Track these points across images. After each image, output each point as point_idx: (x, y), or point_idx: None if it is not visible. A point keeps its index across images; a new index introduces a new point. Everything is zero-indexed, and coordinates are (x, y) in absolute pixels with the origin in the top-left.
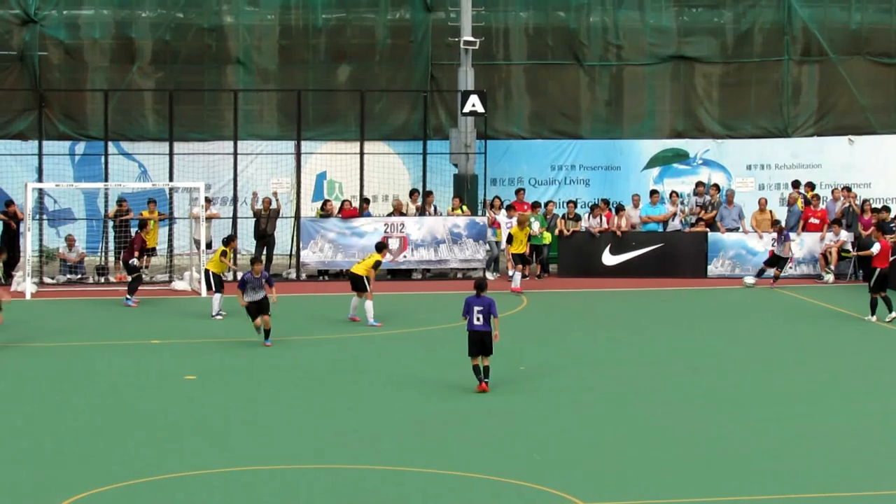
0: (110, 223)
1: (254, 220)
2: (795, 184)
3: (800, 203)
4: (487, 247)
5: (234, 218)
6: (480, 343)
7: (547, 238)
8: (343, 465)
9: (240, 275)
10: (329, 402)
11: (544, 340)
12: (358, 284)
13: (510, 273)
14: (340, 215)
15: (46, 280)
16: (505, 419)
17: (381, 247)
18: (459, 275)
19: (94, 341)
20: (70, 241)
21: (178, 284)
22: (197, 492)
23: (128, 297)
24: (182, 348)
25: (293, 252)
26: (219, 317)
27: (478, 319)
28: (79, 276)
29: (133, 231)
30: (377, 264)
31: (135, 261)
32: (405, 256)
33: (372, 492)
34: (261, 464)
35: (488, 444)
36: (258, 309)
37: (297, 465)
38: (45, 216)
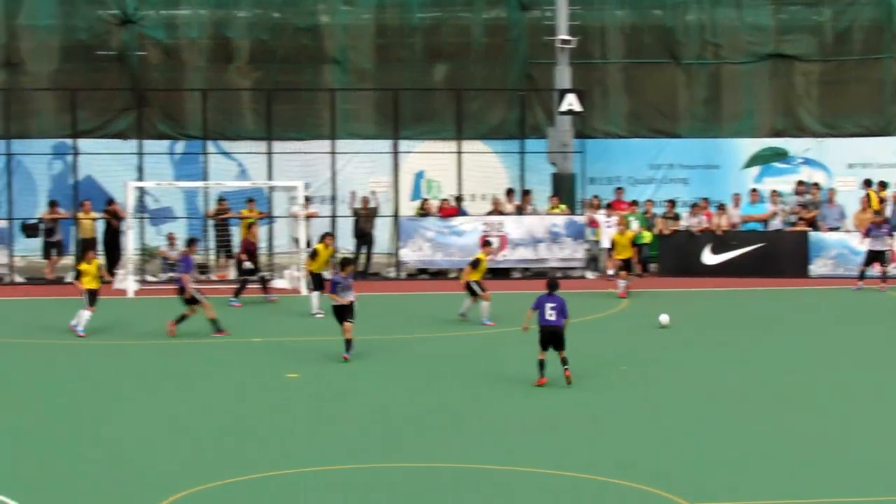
0: (210, 222)
1: (352, 219)
2: (867, 183)
3: (875, 202)
4: (586, 246)
5: (333, 217)
6: (552, 337)
7: (646, 237)
8: (444, 463)
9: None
10: (429, 399)
11: (643, 340)
12: (471, 290)
13: (609, 272)
14: (439, 214)
15: (148, 278)
16: (606, 419)
17: (485, 244)
18: (559, 274)
19: (195, 340)
20: (171, 240)
21: (279, 283)
22: (296, 491)
23: (233, 298)
24: (283, 347)
25: (392, 251)
26: (319, 315)
27: (550, 315)
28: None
29: (234, 230)
30: (476, 262)
31: (248, 264)
32: (504, 255)
33: (475, 491)
34: (358, 462)
35: (590, 444)
36: (342, 314)
37: (395, 463)
38: (145, 214)
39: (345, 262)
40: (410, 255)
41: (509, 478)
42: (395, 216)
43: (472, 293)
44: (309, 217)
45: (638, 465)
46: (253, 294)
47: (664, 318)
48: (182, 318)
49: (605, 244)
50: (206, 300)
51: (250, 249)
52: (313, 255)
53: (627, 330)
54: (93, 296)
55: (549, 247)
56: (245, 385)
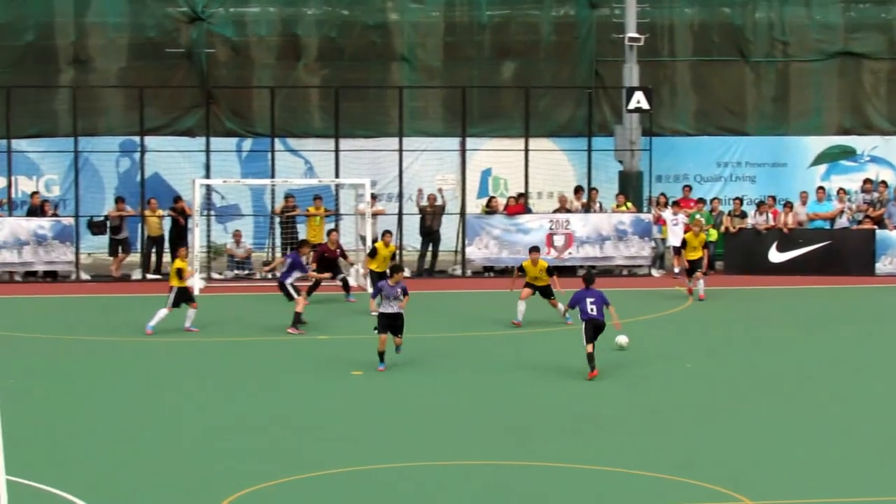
0: (277, 219)
1: (419, 216)
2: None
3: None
4: (653, 244)
5: (400, 214)
6: (595, 330)
7: (713, 235)
8: (506, 461)
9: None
10: (495, 397)
11: (708, 338)
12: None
13: (675, 270)
14: (506, 212)
15: (214, 275)
16: (669, 416)
17: (530, 250)
18: (625, 272)
19: (261, 336)
20: (237, 237)
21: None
22: (356, 488)
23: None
24: (348, 344)
25: (458, 248)
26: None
27: (592, 309)
28: (246, 271)
29: (300, 228)
30: (551, 270)
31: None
32: (570, 253)
33: (535, 488)
34: (426, 460)
35: (653, 441)
36: (390, 325)
37: (460, 461)
38: (212, 212)
39: (394, 270)
40: (476, 252)
41: (570, 475)
42: (462, 214)
43: (548, 295)
44: (375, 215)
45: (700, 462)
46: (326, 291)
47: (622, 340)
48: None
49: (672, 242)
50: (302, 296)
51: (329, 258)
52: (373, 253)
53: (693, 328)
54: (181, 295)
55: (615, 245)
56: (310, 383)
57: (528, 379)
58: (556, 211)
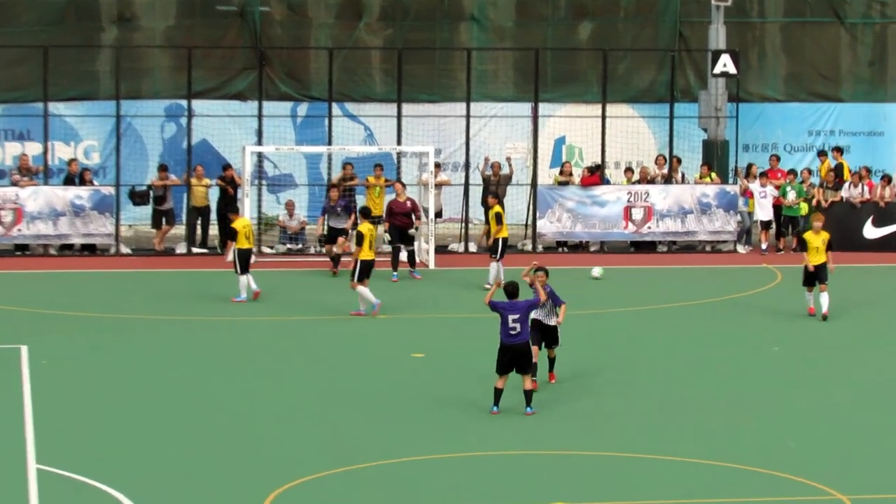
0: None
1: (481, 187)
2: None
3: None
4: (739, 218)
5: (466, 185)
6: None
7: (803, 209)
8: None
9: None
10: (569, 383)
11: (797, 320)
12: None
13: (763, 247)
14: (580, 183)
15: (265, 249)
16: (752, 404)
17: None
18: (708, 248)
19: (315, 315)
20: (290, 209)
21: (404, 255)
22: (416, 479)
23: (395, 273)
24: (410, 324)
25: (528, 222)
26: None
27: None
28: (299, 245)
29: (359, 199)
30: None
31: (414, 231)
32: (649, 227)
33: (615, 478)
34: (489, 449)
35: (735, 431)
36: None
37: (517, 450)
38: (264, 181)
39: (509, 288)
40: (548, 226)
41: (648, 465)
42: (533, 185)
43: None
44: (440, 185)
45: (787, 453)
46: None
47: (596, 271)
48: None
49: (759, 216)
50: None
51: (398, 212)
52: (498, 219)
53: (782, 308)
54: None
55: (697, 218)
56: (369, 364)
57: (604, 363)
58: (635, 182)
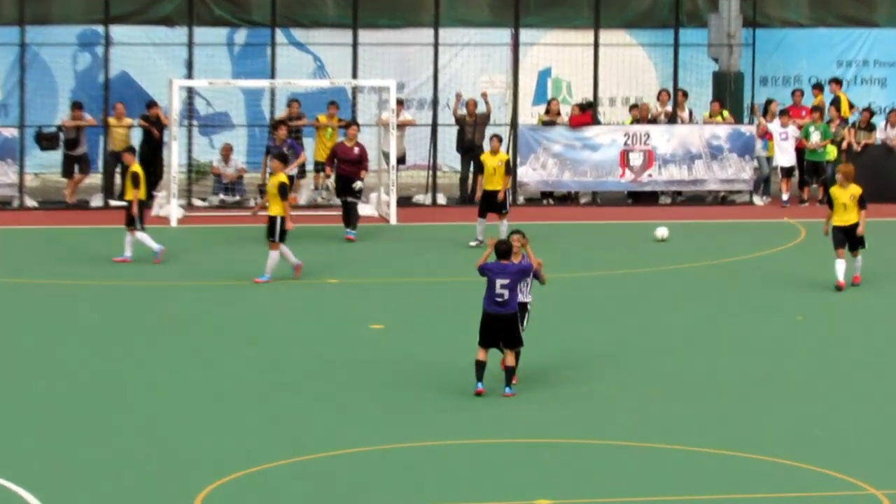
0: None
1: (456, 128)
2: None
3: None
4: (755, 164)
5: (434, 126)
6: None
7: (831, 153)
8: (612, 440)
9: None
10: (545, 361)
11: (824, 285)
12: None
13: (784, 198)
14: (569, 123)
15: (196, 202)
16: (771, 385)
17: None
18: (720, 199)
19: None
20: (226, 154)
21: (363, 209)
22: (371, 472)
23: (349, 230)
24: (367, 290)
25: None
26: (474, 244)
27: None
28: (236, 197)
29: (307, 142)
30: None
31: (360, 183)
32: (650, 175)
33: (610, 471)
34: (459, 437)
35: (752, 416)
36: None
37: (493, 439)
38: (195, 122)
39: (501, 246)
40: (531, 174)
41: (648, 456)
42: (513, 125)
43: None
44: (403, 126)
45: (814, 442)
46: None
47: (661, 232)
48: None
49: (780, 161)
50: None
51: (346, 159)
52: (479, 168)
53: (804, 269)
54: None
55: (707, 165)
56: (318, 338)
57: (599, 332)
58: (633, 122)
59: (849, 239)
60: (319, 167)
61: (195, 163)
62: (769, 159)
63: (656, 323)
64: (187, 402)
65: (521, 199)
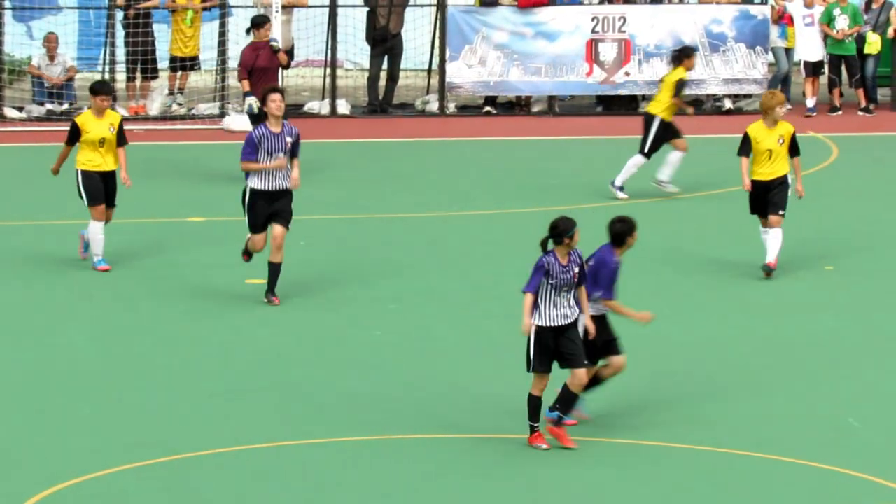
0: (118, 15)
1: (365, 11)
2: None
3: None
4: (770, 58)
5: (333, 8)
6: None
7: (873, 46)
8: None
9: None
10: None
11: (860, 221)
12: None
13: (809, 105)
14: (516, 2)
15: (9, 113)
16: (791, 360)
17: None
18: (729, 104)
19: (86, 219)
20: (50, 47)
21: (233, 122)
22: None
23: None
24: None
25: (433, 66)
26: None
27: (564, 302)
28: (65, 104)
29: (160, 30)
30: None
31: (252, 101)
32: (627, 74)
33: (651, 470)
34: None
35: (769, 400)
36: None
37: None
38: (7, 4)
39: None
40: (465, 72)
41: (679, 455)
42: (440, 6)
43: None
44: (290, 7)
45: (849, 437)
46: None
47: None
48: None
49: (802, 55)
50: None
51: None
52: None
53: (836, 204)
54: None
55: (706, 60)
56: (177, 306)
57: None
58: (602, 1)
59: (767, 198)
60: (177, 64)
61: (8, 59)
62: (789, 52)
63: (640, 273)
64: None
65: (451, 108)
